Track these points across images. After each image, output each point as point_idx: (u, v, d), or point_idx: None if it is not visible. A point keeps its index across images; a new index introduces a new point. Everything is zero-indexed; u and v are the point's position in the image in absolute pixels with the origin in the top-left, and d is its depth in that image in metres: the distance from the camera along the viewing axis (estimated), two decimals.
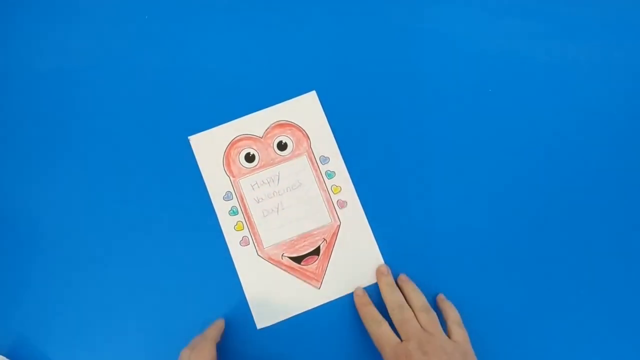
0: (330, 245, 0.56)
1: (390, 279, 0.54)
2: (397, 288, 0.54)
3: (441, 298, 0.55)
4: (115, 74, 0.60)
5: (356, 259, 0.56)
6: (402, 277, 0.55)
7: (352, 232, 0.56)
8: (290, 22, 0.61)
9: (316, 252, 0.56)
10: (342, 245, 0.56)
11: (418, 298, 0.52)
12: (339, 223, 0.57)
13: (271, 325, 0.55)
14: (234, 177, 0.58)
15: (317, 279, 0.56)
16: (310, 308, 0.55)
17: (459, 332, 0.50)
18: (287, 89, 0.59)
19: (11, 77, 0.60)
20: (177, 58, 0.61)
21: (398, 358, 0.48)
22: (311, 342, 0.55)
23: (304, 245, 0.56)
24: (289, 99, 0.59)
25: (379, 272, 0.55)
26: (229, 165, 0.58)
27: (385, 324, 0.51)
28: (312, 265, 0.56)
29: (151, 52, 0.61)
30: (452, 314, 0.52)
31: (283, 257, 0.56)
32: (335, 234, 0.56)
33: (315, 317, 0.55)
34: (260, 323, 0.55)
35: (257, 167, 0.58)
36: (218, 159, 0.58)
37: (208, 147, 0.58)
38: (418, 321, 0.50)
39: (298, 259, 0.56)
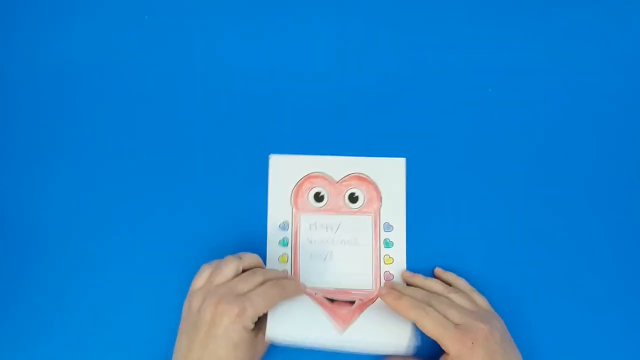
0: (365, 306, 0.55)
1: (395, 294, 0.51)
2: (404, 295, 0.51)
3: (441, 270, 0.55)
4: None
5: (385, 328, 0.53)
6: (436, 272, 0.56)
7: (388, 308, 0.55)
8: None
9: (351, 303, 0.55)
10: (375, 313, 0.54)
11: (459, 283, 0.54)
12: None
13: (278, 345, 0.51)
14: (297, 209, 0.58)
15: (342, 324, 0.53)
16: (324, 347, 0.52)
17: (480, 298, 0.52)
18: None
19: (11, 77, 0.59)
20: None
21: (462, 342, 0.46)
22: None
23: (339, 296, 0.56)
24: (377, 155, 0.58)
25: (383, 295, 0.51)
26: (297, 196, 0.58)
27: (432, 309, 0.48)
28: (343, 310, 0.53)
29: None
30: (462, 282, 0.54)
31: (317, 293, 0.55)
32: (371, 301, 0.55)
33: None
34: (270, 335, 0.50)
35: (322, 208, 0.58)
36: (289, 186, 0.58)
37: (284, 171, 0.58)
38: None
39: (331, 301, 0.55)
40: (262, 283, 0.48)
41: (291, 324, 0.51)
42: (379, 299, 0.54)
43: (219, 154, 0.59)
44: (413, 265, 0.57)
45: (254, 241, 0.57)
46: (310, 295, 0.54)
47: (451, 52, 0.61)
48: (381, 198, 0.58)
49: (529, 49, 0.62)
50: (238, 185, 0.58)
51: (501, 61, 0.61)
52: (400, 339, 0.51)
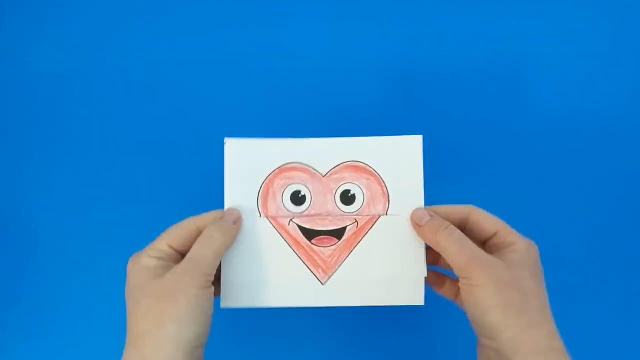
0: (362, 232, 0.39)
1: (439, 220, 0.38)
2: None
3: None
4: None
5: (390, 266, 0.39)
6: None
7: (399, 228, 0.39)
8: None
9: (339, 234, 0.39)
10: (378, 240, 0.39)
11: None
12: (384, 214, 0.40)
13: (238, 309, 0.39)
14: (267, 216, 0.40)
15: (325, 270, 0.39)
16: (300, 305, 0.39)
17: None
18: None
19: (10, 77, 0.55)
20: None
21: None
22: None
23: (325, 220, 0.40)
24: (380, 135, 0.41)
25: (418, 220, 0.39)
26: (265, 198, 0.40)
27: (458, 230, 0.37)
28: (326, 249, 0.39)
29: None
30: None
31: (291, 224, 0.39)
32: (373, 220, 0.39)
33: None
34: (227, 301, 0.39)
35: (304, 214, 0.40)
36: (254, 185, 0.40)
37: (247, 163, 0.40)
38: None
39: (310, 234, 0.39)
40: None
41: (251, 285, 0.39)
42: (380, 220, 0.39)
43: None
44: None
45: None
46: (280, 229, 0.39)
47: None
48: (389, 196, 0.40)
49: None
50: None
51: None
52: (411, 281, 0.39)
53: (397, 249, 0.39)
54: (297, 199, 0.40)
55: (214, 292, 0.36)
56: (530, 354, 0.32)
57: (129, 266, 0.37)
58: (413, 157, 0.40)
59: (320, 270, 0.39)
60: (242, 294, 0.39)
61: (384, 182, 0.40)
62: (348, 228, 0.40)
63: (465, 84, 0.54)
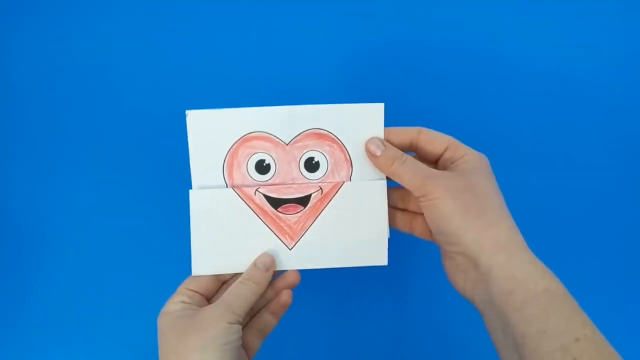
0: (326, 199, 0.41)
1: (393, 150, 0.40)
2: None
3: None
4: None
5: (354, 229, 0.41)
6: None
7: (362, 192, 0.41)
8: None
9: (304, 201, 0.41)
10: (342, 205, 0.41)
11: None
12: (347, 180, 0.42)
13: (210, 276, 0.41)
14: (233, 186, 0.41)
15: (292, 236, 0.41)
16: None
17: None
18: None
19: (10, 76, 0.53)
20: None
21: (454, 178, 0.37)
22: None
23: (290, 188, 0.41)
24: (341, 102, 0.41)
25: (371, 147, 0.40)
26: (230, 168, 0.41)
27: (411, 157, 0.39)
28: (292, 216, 0.41)
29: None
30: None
31: (257, 194, 0.41)
32: (337, 186, 0.41)
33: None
34: (198, 268, 0.41)
35: (268, 182, 0.41)
36: (218, 155, 0.40)
37: (210, 133, 0.40)
38: None
39: (276, 202, 0.41)
40: None
41: (221, 253, 0.41)
42: (344, 187, 0.41)
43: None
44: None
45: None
46: (247, 199, 0.41)
47: None
48: (351, 162, 0.41)
49: None
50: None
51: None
52: (374, 243, 0.41)
53: (360, 213, 0.41)
54: (262, 167, 0.41)
55: (242, 340, 0.37)
56: (493, 251, 0.35)
57: (158, 319, 0.38)
58: (374, 124, 0.40)
59: (287, 236, 0.41)
60: (212, 261, 0.40)
61: (347, 149, 0.41)
62: (313, 195, 0.41)
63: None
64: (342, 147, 0.41)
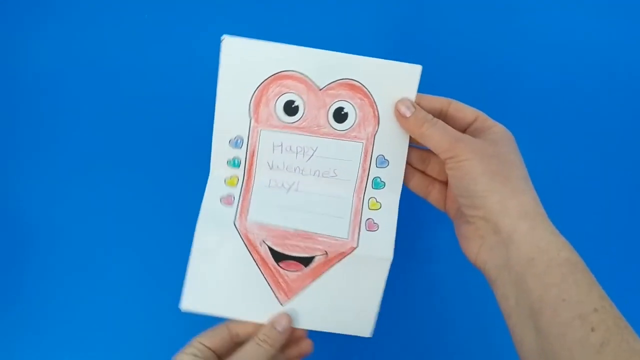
0: (329, 264, 0.41)
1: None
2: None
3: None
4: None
5: (348, 299, 0.42)
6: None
7: (364, 266, 0.41)
8: None
9: (306, 261, 0.41)
10: (342, 274, 0.41)
11: None
12: (355, 245, 0.41)
13: (197, 314, 0.41)
14: (257, 122, 0.40)
15: (287, 293, 0.41)
16: (256, 321, 0.41)
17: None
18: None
19: (7, 75, 0.52)
20: None
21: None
22: None
23: (296, 245, 0.41)
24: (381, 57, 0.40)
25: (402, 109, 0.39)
26: (258, 104, 0.40)
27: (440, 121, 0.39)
28: (292, 274, 0.41)
29: None
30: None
31: (262, 245, 0.41)
32: (342, 255, 0.41)
33: None
34: (187, 303, 0.40)
35: (294, 125, 0.40)
36: (249, 87, 0.39)
37: (243, 64, 0.39)
38: None
39: (279, 256, 0.41)
40: None
41: (213, 293, 0.41)
42: (350, 259, 0.41)
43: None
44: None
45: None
46: (251, 247, 0.40)
47: None
48: (379, 119, 0.41)
49: None
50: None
51: None
52: (364, 316, 0.41)
53: (357, 285, 0.41)
54: (290, 108, 0.40)
55: None
56: (517, 217, 0.35)
57: None
58: (408, 85, 0.40)
59: (282, 292, 0.41)
60: (202, 300, 0.40)
61: (376, 105, 0.40)
62: (316, 258, 0.41)
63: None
64: (373, 103, 0.40)
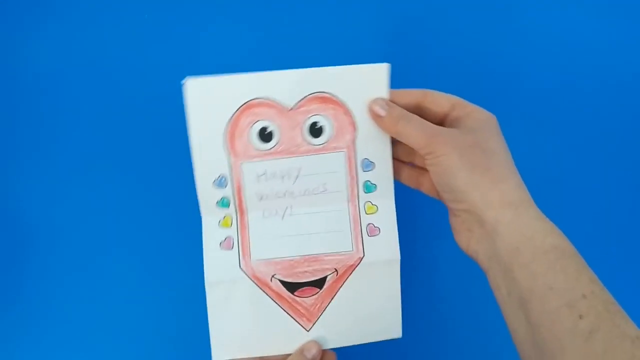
0: (341, 280, 0.41)
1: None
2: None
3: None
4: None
5: (369, 307, 0.42)
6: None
7: (376, 272, 0.41)
8: None
9: (319, 283, 0.41)
10: (357, 285, 0.41)
11: None
12: (361, 255, 0.41)
13: None
14: (235, 156, 0.39)
15: (309, 318, 0.41)
16: (289, 352, 0.41)
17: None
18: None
19: (7, 75, 0.53)
20: None
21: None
22: None
23: (305, 271, 0.41)
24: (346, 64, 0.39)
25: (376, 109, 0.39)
26: (232, 137, 0.39)
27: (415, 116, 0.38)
28: (309, 299, 0.41)
29: None
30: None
31: (273, 280, 0.41)
32: (352, 268, 0.41)
33: None
34: (217, 355, 0.41)
35: (272, 150, 0.40)
36: (219, 125, 0.39)
37: (210, 102, 0.38)
38: None
39: (292, 287, 0.41)
40: None
41: (240, 337, 0.41)
42: (361, 268, 0.41)
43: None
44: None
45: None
46: (263, 285, 0.40)
47: None
48: (356, 125, 0.40)
49: None
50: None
51: None
52: (389, 318, 0.42)
53: (374, 291, 0.41)
54: (265, 135, 0.39)
55: None
56: (500, 207, 0.34)
57: None
58: (379, 85, 0.39)
59: (304, 319, 0.41)
60: (231, 347, 0.40)
61: (351, 111, 0.40)
62: (328, 277, 0.41)
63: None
64: (347, 110, 0.40)
